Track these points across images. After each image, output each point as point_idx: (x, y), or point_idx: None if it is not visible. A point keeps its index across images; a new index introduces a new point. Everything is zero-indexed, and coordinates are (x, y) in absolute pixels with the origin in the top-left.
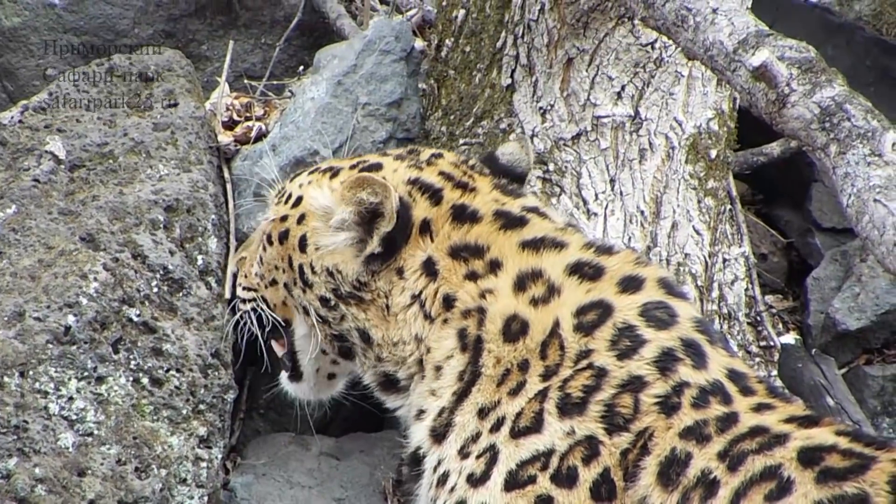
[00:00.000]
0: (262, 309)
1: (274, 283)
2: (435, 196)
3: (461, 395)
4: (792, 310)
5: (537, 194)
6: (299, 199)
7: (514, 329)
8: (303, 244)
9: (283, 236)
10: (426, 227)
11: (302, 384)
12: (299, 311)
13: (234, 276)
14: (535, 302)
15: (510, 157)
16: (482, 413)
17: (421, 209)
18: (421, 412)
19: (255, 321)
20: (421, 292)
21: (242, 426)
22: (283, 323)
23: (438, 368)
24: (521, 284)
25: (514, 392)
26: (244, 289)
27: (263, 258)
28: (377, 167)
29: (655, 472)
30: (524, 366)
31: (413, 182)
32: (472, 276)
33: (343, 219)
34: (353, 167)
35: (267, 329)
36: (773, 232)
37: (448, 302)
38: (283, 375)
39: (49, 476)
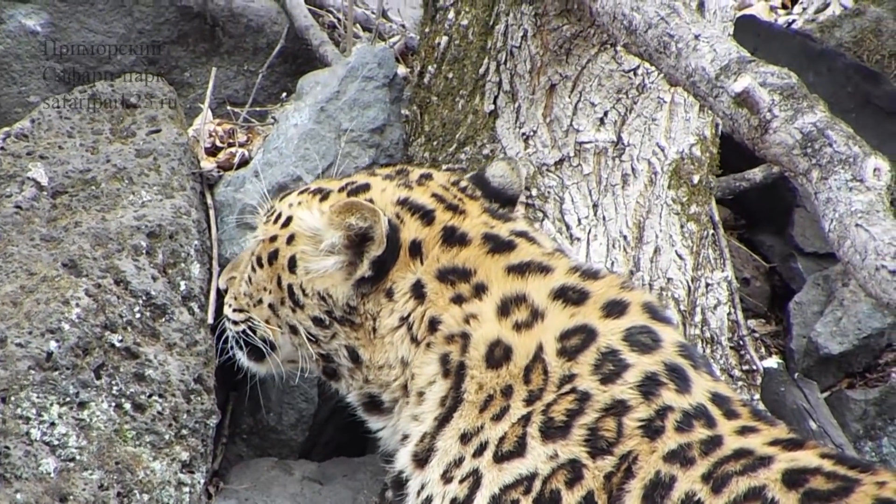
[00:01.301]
0: (255, 327)
1: (260, 302)
2: (426, 217)
3: (443, 421)
4: (774, 334)
5: (520, 219)
6: (289, 220)
7: (498, 355)
8: (292, 265)
9: (273, 256)
10: (416, 249)
11: (262, 365)
12: (284, 331)
13: (221, 294)
14: (518, 327)
15: (501, 179)
16: (464, 438)
17: (411, 230)
18: (405, 437)
19: (243, 343)
20: (409, 315)
21: (225, 451)
22: (270, 344)
23: (421, 394)
24: (504, 309)
25: (497, 417)
26: (235, 310)
27: (252, 278)
28: (365, 188)
29: (640, 496)
30: (507, 391)
31: (402, 202)
32: (458, 300)
33: (332, 243)
34: (341, 189)
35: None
36: (755, 256)
37: (433, 325)
38: (240, 355)
39: (30, 501)
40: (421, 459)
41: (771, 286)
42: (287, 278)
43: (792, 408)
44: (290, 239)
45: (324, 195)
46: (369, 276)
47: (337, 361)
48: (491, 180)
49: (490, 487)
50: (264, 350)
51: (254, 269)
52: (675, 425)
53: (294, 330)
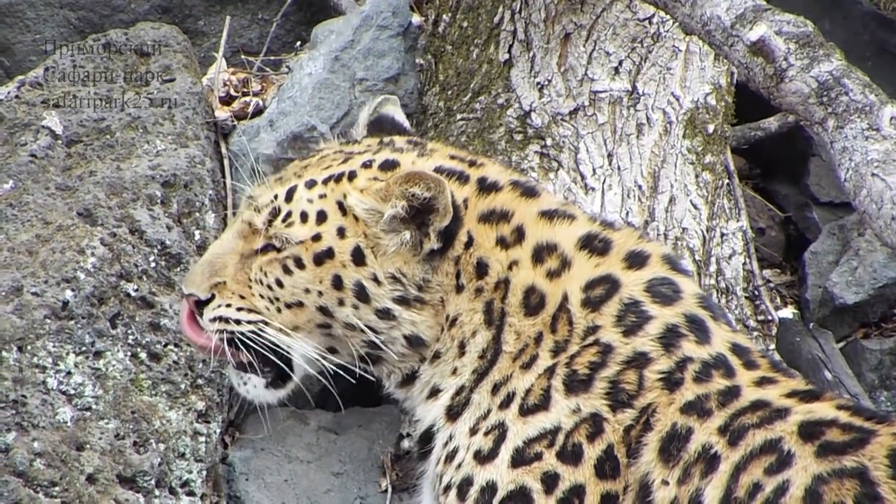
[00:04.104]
0: (263, 334)
1: (299, 306)
2: (461, 177)
3: (482, 375)
4: (790, 284)
5: (535, 169)
6: (322, 214)
7: (534, 302)
8: (358, 256)
9: (323, 256)
10: (465, 207)
11: (280, 392)
12: (316, 332)
13: (198, 301)
14: (550, 275)
15: (397, 117)
16: (495, 388)
17: (458, 193)
18: (435, 391)
19: (255, 364)
20: (459, 263)
21: (241, 401)
22: (286, 347)
23: (462, 346)
24: (538, 256)
25: (526, 366)
26: (240, 309)
27: (284, 282)
28: (395, 164)
29: (657, 448)
30: (538, 339)
31: (438, 170)
32: (503, 243)
33: (394, 215)
34: (365, 165)
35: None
36: (770, 206)
37: (481, 269)
38: (257, 383)
39: (48, 450)
40: (455, 413)
41: (786, 236)
42: (353, 273)
43: (807, 358)
44: (342, 231)
45: (350, 176)
46: (438, 247)
47: (387, 349)
48: (393, 119)
49: (514, 440)
50: (281, 367)
51: (287, 272)
52: (694, 376)
53: (351, 328)
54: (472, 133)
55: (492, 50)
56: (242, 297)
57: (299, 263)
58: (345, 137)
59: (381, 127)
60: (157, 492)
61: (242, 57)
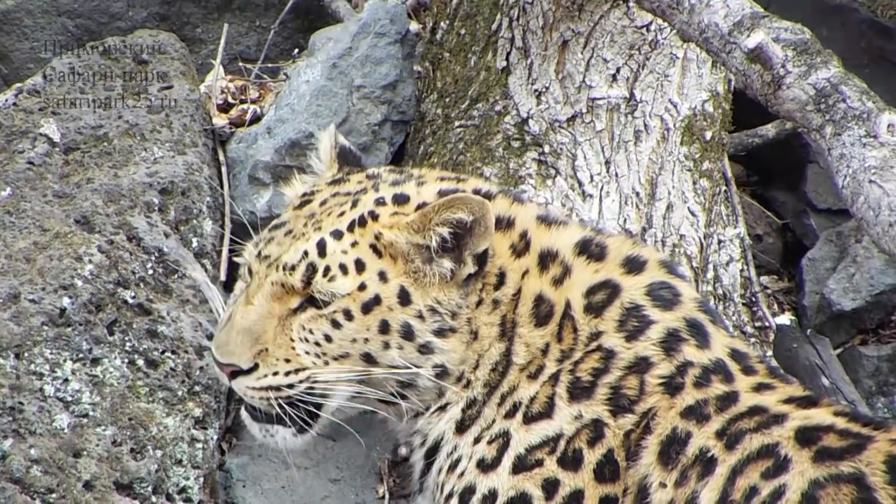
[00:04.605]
0: (313, 391)
1: (345, 357)
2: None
3: (493, 388)
4: (787, 290)
5: (532, 176)
6: (360, 262)
7: (543, 312)
8: (404, 297)
9: (371, 304)
10: None
11: (307, 435)
12: (354, 379)
13: (239, 372)
14: (555, 282)
15: (353, 148)
16: (502, 399)
17: None
18: (445, 405)
19: (286, 414)
20: (485, 283)
21: (238, 407)
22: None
23: (478, 360)
24: (543, 263)
25: (533, 376)
26: (288, 372)
27: (333, 336)
28: (406, 197)
29: (656, 452)
30: (546, 349)
31: (441, 193)
32: (514, 251)
33: (436, 245)
34: (378, 203)
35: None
36: (768, 213)
37: (500, 280)
38: (285, 435)
39: (44, 457)
40: (465, 426)
41: (784, 242)
42: (399, 315)
43: (804, 364)
44: (383, 275)
45: (372, 216)
46: (475, 271)
47: (414, 385)
48: (351, 150)
49: (517, 448)
50: (312, 412)
51: (336, 326)
52: (694, 381)
53: (393, 369)
54: (469, 140)
55: (489, 57)
56: (288, 361)
57: (348, 315)
58: (307, 171)
59: (345, 158)
60: (154, 498)
61: (240, 64)
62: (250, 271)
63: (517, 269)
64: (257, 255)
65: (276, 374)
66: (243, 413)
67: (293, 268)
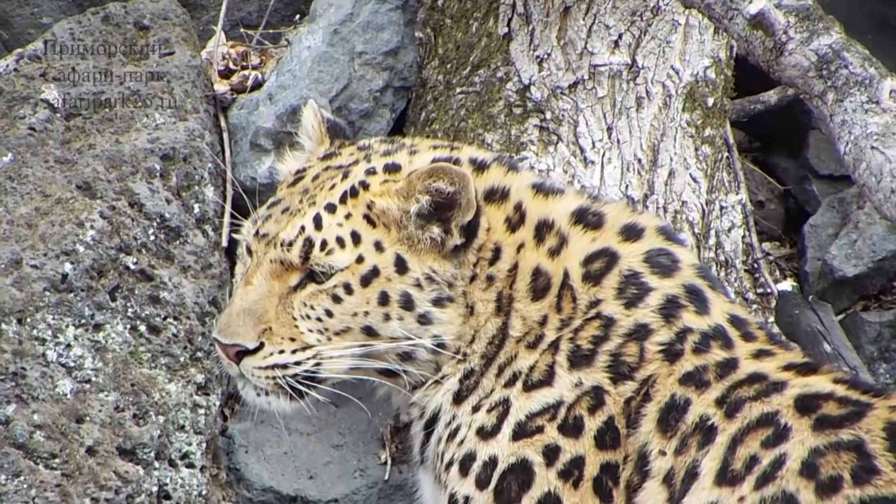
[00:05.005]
0: (320, 367)
1: (346, 331)
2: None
3: (490, 360)
4: (789, 257)
5: (534, 143)
6: (355, 234)
7: (541, 284)
8: (401, 265)
9: (370, 275)
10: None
11: (301, 401)
12: (357, 353)
13: (245, 352)
14: (551, 253)
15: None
16: (500, 370)
17: None
18: (442, 377)
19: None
20: (480, 258)
21: None
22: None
23: (475, 333)
24: (539, 235)
25: (532, 345)
26: (294, 351)
27: (334, 311)
28: (397, 166)
29: (655, 419)
30: (543, 321)
31: (435, 162)
32: (509, 224)
33: (418, 212)
34: (369, 173)
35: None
36: (770, 179)
37: (496, 255)
38: (279, 403)
39: (47, 422)
40: (462, 397)
41: (785, 209)
42: (398, 285)
43: (806, 330)
44: (379, 245)
45: (365, 186)
46: (461, 243)
47: (414, 357)
48: (337, 122)
49: (517, 415)
50: (309, 385)
51: (336, 301)
52: (694, 347)
53: (394, 340)
54: (471, 107)
55: (491, 23)
56: (293, 339)
57: (348, 289)
58: (294, 146)
59: (335, 132)
60: (156, 464)
61: (241, 30)
62: (249, 250)
63: (512, 244)
64: (255, 233)
65: (282, 352)
66: (239, 381)
67: (291, 244)
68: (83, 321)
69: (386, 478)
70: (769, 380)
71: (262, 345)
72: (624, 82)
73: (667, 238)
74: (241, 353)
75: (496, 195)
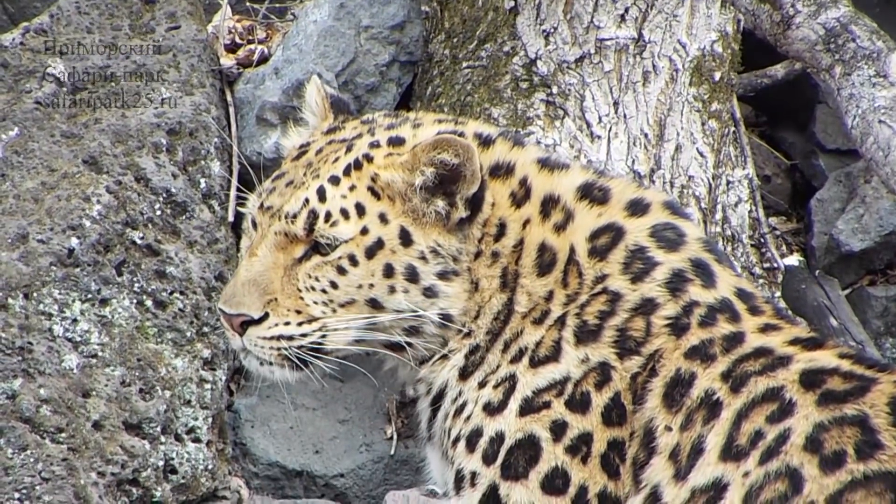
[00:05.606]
0: (325, 339)
1: (351, 303)
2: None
3: (496, 335)
4: (796, 231)
5: (540, 117)
6: (360, 206)
7: (547, 260)
8: (405, 237)
9: (375, 247)
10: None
11: (303, 371)
12: (362, 325)
13: (249, 323)
14: (557, 229)
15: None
16: (506, 346)
17: None
18: (447, 353)
19: (306, 354)
20: (485, 234)
21: None
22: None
23: (479, 310)
24: (545, 210)
25: (538, 321)
26: (300, 324)
27: (339, 283)
28: (401, 139)
29: (661, 394)
30: (549, 296)
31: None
32: (514, 199)
33: (425, 181)
34: (372, 146)
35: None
36: (776, 154)
37: (501, 230)
38: (282, 372)
39: (54, 397)
40: (468, 373)
41: (792, 183)
42: (403, 257)
43: (813, 305)
44: (383, 217)
45: (369, 159)
46: (466, 216)
47: (420, 331)
48: (341, 97)
49: (523, 391)
50: (315, 357)
51: (341, 273)
52: (700, 320)
53: (399, 313)
54: (477, 81)
55: None
56: (298, 312)
57: (353, 261)
58: (298, 121)
59: (338, 107)
60: (162, 438)
61: (248, 4)
62: (254, 223)
63: (518, 220)
64: (260, 206)
65: (287, 324)
66: (241, 354)
67: (295, 216)
68: (89, 296)
69: (392, 452)
70: (775, 354)
71: (266, 315)
72: (630, 56)
73: (673, 212)
74: (246, 324)
75: (501, 170)
